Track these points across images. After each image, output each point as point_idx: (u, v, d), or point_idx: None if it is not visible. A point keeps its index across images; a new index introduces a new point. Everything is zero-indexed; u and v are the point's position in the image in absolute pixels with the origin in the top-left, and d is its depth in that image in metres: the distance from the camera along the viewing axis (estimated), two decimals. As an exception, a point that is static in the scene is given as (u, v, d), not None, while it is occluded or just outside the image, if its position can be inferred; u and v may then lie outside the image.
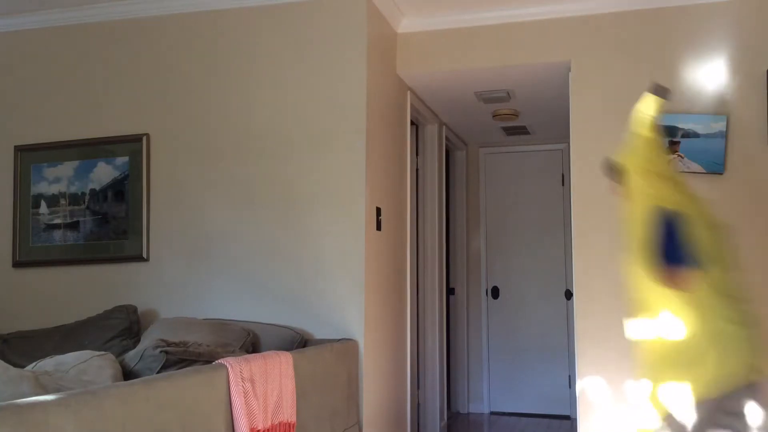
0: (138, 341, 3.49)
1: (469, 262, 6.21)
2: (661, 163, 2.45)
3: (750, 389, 2.16)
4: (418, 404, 5.05)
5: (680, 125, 3.71)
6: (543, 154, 6.16)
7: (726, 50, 3.73)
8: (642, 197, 2.33)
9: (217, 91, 3.87)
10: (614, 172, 2.53)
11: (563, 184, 6.00)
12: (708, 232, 2.28)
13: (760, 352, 2.21)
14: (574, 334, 3.87)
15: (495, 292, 6.19)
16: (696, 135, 3.69)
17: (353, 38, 3.69)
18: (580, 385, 3.80)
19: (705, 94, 3.73)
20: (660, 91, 2.54)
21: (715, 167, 3.67)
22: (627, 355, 3.73)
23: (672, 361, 2.24)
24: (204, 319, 3.55)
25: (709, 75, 3.74)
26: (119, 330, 3.57)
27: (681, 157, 3.70)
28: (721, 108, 3.69)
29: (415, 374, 4.88)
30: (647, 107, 2.51)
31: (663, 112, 2.62)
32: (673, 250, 2.22)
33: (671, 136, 3.71)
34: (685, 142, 3.70)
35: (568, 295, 5.85)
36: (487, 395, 6.14)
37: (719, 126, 3.66)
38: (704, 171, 3.67)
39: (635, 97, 3.80)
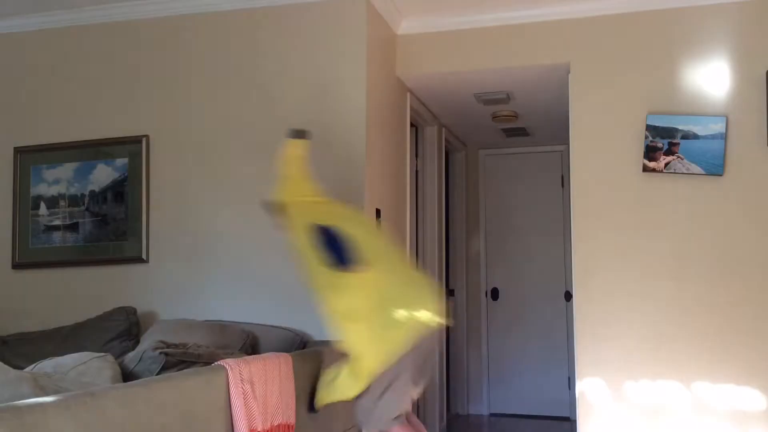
0: (137, 343, 3.48)
1: (469, 264, 6.21)
2: (310, 192, 3.04)
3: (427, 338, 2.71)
4: (418, 405, 5.05)
5: (679, 126, 3.71)
6: (542, 156, 6.16)
7: (725, 52, 3.73)
8: (300, 222, 2.87)
9: (216, 92, 3.87)
10: (272, 210, 3.02)
11: (563, 186, 6.00)
12: (362, 229, 2.91)
13: (436, 302, 2.76)
14: (573, 335, 3.87)
15: (495, 294, 6.19)
16: (695, 136, 3.69)
17: (353, 40, 3.69)
18: (579, 386, 3.80)
19: (704, 95, 3.73)
20: (299, 134, 3.09)
21: (715, 168, 3.67)
22: (627, 357, 3.73)
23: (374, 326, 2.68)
24: (203, 321, 3.54)
25: (709, 76, 3.74)
26: (118, 332, 3.57)
27: (680, 158, 3.71)
28: (720, 109, 3.70)
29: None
30: (292, 149, 3.06)
31: (307, 150, 3.11)
32: (338, 252, 2.72)
33: (670, 138, 3.72)
34: (684, 144, 3.70)
35: (568, 296, 5.86)
36: (486, 397, 6.14)
37: (718, 127, 3.66)
38: (703, 172, 3.68)
39: (634, 99, 3.83)
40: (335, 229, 2.80)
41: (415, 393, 2.77)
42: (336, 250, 2.74)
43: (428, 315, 2.71)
